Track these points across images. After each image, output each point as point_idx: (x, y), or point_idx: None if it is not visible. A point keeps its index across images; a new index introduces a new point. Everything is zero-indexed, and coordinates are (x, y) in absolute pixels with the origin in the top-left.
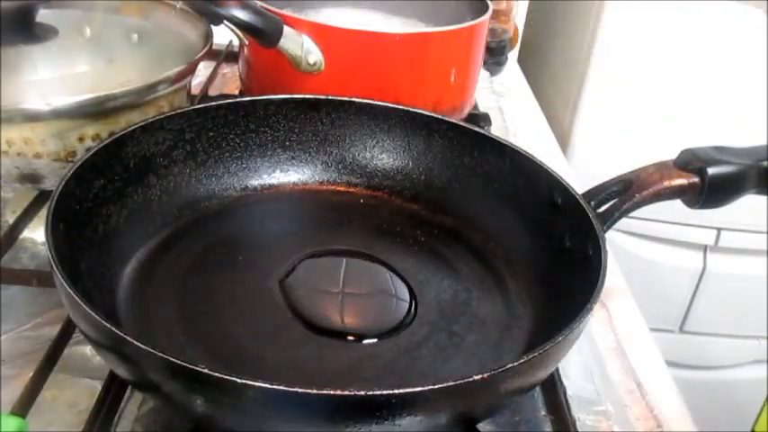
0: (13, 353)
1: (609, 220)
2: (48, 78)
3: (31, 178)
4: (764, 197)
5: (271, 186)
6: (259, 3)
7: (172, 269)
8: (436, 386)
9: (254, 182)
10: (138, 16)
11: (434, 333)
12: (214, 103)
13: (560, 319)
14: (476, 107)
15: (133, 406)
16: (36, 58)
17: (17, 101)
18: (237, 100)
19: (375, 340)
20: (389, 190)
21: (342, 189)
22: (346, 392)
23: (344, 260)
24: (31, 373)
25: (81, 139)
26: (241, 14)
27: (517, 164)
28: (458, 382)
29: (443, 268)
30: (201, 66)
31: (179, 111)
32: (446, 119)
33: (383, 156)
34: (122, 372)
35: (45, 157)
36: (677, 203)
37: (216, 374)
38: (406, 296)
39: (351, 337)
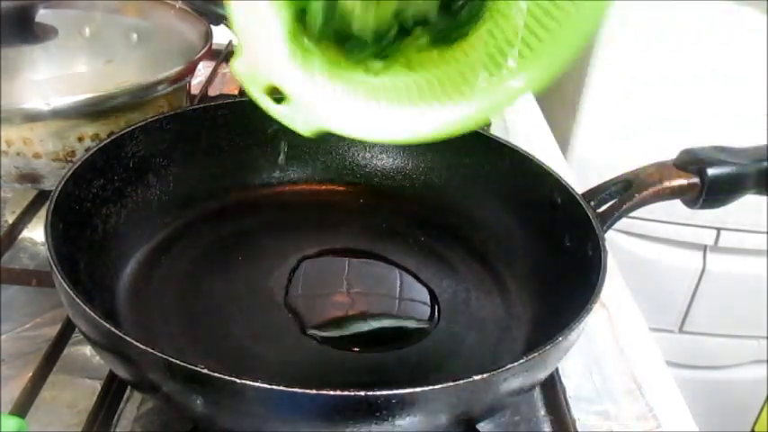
0: (13, 353)
1: (609, 220)
2: (47, 78)
3: (30, 178)
4: (764, 197)
5: (270, 186)
6: None
7: (172, 269)
8: (436, 386)
9: (255, 182)
10: (138, 16)
11: (434, 333)
12: (214, 103)
13: (560, 319)
14: None
15: (132, 406)
16: (36, 58)
17: (16, 101)
18: (237, 100)
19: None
20: (389, 190)
21: (342, 189)
22: (346, 392)
23: (347, 261)
24: (31, 373)
25: (80, 139)
26: None
27: (517, 164)
28: (458, 382)
29: (443, 268)
30: (201, 65)
31: (178, 111)
32: None
33: (383, 156)
34: (122, 372)
35: (44, 156)
36: (677, 203)
37: (216, 374)
38: (424, 298)
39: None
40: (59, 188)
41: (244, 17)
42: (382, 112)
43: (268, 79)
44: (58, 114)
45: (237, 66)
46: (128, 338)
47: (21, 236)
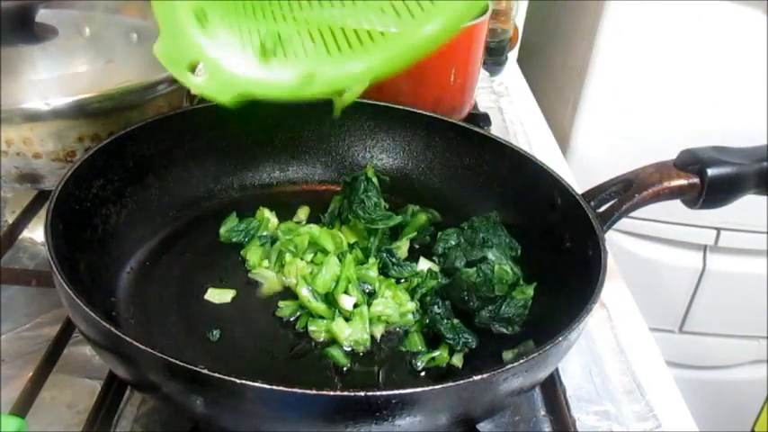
0: (13, 353)
1: (609, 220)
2: (47, 78)
3: (30, 178)
4: (764, 197)
5: (270, 186)
6: None
7: (172, 269)
8: (436, 386)
9: (254, 181)
10: (138, 16)
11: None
12: (214, 103)
13: (560, 319)
14: (476, 107)
15: (133, 406)
16: (36, 58)
17: (17, 101)
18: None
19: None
20: (389, 190)
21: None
22: (346, 393)
23: None
24: (31, 373)
25: (80, 139)
26: None
27: (517, 164)
28: (458, 382)
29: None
30: (201, 66)
31: (178, 111)
32: (446, 119)
33: (383, 156)
34: (122, 372)
35: (44, 156)
36: (677, 203)
37: (216, 374)
38: None
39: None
40: (59, 188)
41: (158, 3)
42: (289, 67)
43: (186, 56)
44: (58, 114)
45: (158, 49)
46: (127, 339)
47: (21, 236)
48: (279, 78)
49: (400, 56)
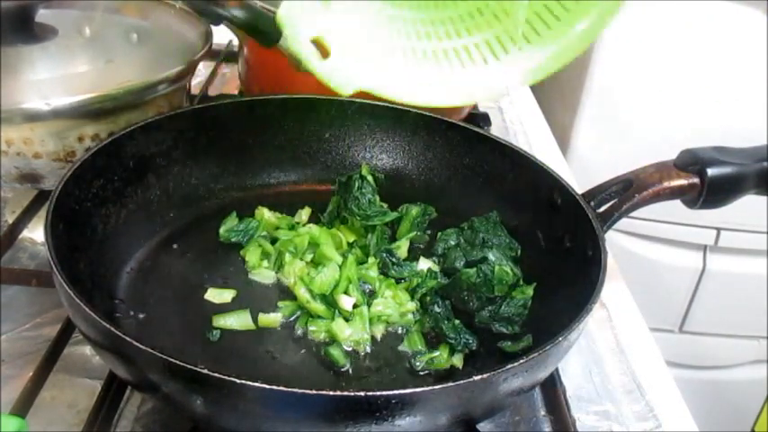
0: (13, 353)
1: (609, 220)
2: (47, 78)
3: (30, 178)
4: (764, 197)
5: (270, 186)
6: (258, 3)
7: (172, 269)
8: (436, 386)
9: (254, 181)
10: (138, 16)
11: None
12: (214, 103)
13: (560, 319)
14: (476, 107)
15: (133, 406)
16: (36, 58)
17: (17, 101)
18: (237, 100)
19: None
20: (389, 190)
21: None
22: (346, 393)
23: None
24: (31, 373)
25: (80, 139)
26: (240, 14)
27: (517, 164)
28: (458, 382)
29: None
30: (201, 65)
31: (179, 111)
32: (446, 119)
33: (383, 156)
34: (122, 372)
35: (44, 156)
36: (677, 203)
37: (216, 374)
38: None
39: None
40: (59, 188)
41: None
42: (419, 73)
43: (312, 30)
44: (58, 114)
45: (284, 10)
46: (127, 339)
47: (21, 236)
48: (405, 87)
49: (552, 58)
